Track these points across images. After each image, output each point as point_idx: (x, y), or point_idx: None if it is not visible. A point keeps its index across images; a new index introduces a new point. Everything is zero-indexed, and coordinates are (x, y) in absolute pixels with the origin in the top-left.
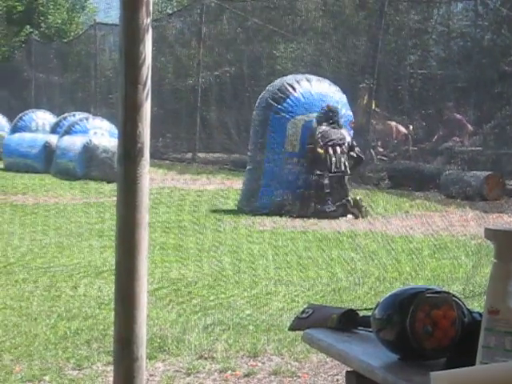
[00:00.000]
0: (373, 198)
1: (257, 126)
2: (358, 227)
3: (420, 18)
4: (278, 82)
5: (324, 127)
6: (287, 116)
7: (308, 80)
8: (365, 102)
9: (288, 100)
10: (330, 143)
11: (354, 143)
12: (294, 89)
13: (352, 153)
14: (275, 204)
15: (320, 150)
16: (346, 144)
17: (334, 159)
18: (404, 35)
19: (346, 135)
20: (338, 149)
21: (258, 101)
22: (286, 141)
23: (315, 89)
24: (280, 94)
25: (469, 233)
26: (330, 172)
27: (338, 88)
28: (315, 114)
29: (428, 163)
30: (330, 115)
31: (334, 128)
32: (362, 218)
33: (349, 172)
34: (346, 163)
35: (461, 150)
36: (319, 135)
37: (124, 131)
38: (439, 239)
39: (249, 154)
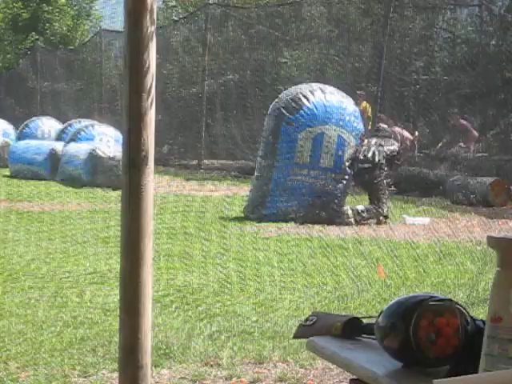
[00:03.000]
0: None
1: (268, 134)
2: (362, 234)
3: (425, 25)
4: (291, 90)
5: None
6: (299, 127)
7: (322, 91)
8: (361, 107)
9: (301, 111)
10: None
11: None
12: (307, 99)
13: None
14: (283, 213)
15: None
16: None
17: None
18: (409, 41)
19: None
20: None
21: (271, 108)
22: (296, 152)
23: (329, 101)
24: (293, 104)
25: (474, 239)
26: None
27: (352, 101)
28: (326, 126)
29: (433, 169)
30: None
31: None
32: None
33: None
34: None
35: (466, 156)
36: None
37: (128, 139)
38: (444, 245)
39: (258, 160)
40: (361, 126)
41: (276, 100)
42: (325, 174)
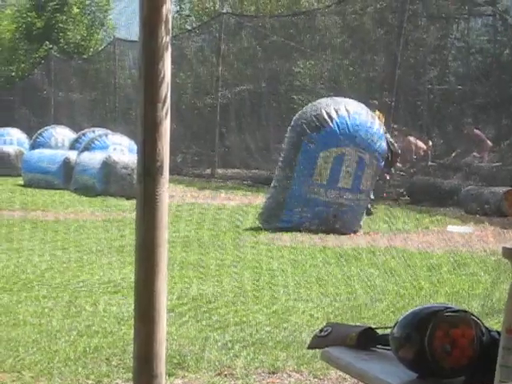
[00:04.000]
0: (392, 213)
1: (289, 147)
2: (377, 243)
3: (439, 34)
4: (315, 105)
5: None
6: (320, 147)
7: (347, 110)
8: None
9: (323, 131)
10: None
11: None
12: (331, 119)
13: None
14: (298, 223)
15: None
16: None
17: None
18: (423, 51)
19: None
20: None
21: (294, 121)
22: (315, 171)
23: (353, 121)
24: (316, 123)
25: (488, 249)
26: None
27: (377, 120)
28: (348, 148)
29: (447, 179)
30: None
31: None
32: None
33: None
34: None
35: (480, 165)
36: None
37: (143, 149)
38: (458, 255)
39: (277, 171)
40: (383, 146)
41: (300, 113)
42: (343, 194)
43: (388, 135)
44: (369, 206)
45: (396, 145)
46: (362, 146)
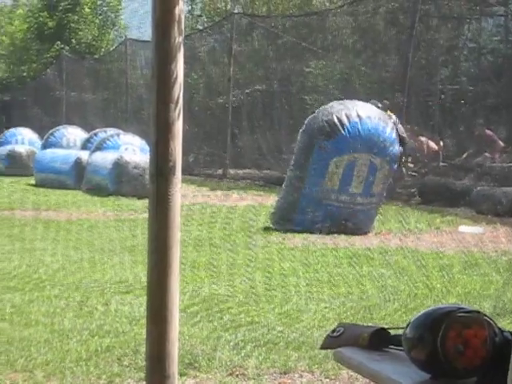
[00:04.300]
0: (403, 214)
1: (300, 151)
2: (388, 243)
3: (450, 35)
4: (326, 110)
5: None
6: (331, 153)
7: (359, 115)
8: None
9: (334, 138)
10: None
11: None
12: (342, 125)
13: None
14: (309, 224)
15: None
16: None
17: None
18: (434, 51)
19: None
20: None
21: (305, 125)
22: (326, 176)
23: (364, 126)
24: (327, 129)
25: (500, 249)
26: None
27: (389, 123)
28: (359, 154)
29: (459, 179)
30: None
31: None
32: None
33: None
34: None
35: (491, 166)
36: None
37: (156, 150)
38: (470, 256)
39: (288, 173)
40: (396, 149)
41: (311, 117)
42: (354, 198)
43: (400, 126)
44: None
45: (406, 134)
46: (373, 151)
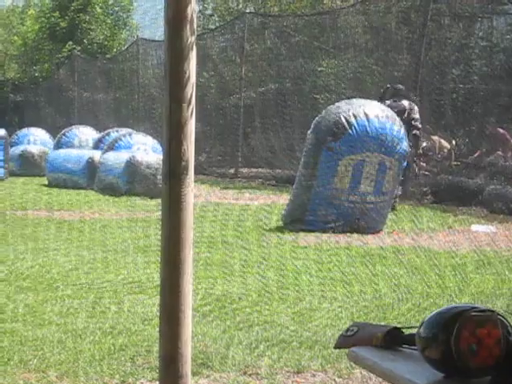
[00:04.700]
0: (416, 213)
1: (309, 152)
2: (401, 242)
3: (462, 33)
4: (334, 109)
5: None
6: (339, 154)
7: (366, 114)
8: None
9: (342, 138)
10: None
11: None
12: (349, 125)
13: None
14: (322, 222)
15: None
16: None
17: None
18: (446, 50)
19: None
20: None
21: (312, 126)
22: (336, 177)
23: (372, 125)
24: (335, 129)
25: None
26: None
27: (397, 121)
28: (367, 154)
29: (471, 178)
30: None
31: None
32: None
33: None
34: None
35: (504, 165)
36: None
37: (169, 149)
38: (483, 255)
39: (299, 173)
40: (405, 147)
41: (319, 117)
42: (365, 197)
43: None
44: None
45: (419, 124)
46: (382, 150)
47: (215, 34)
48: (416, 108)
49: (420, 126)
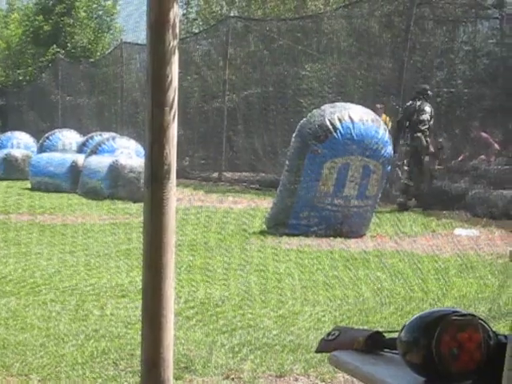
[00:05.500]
0: (399, 217)
1: (294, 155)
2: (384, 246)
3: (445, 38)
4: (319, 113)
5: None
6: (324, 157)
7: (351, 117)
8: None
9: (327, 141)
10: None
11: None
12: (334, 128)
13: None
14: (305, 226)
15: None
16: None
17: None
18: (430, 54)
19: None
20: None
21: (297, 129)
22: (320, 180)
23: (357, 130)
24: (320, 132)
25: (495, 252)
26: None
27: (382, 125)
28: (352, 157)
29: (454, 182)
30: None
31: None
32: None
33: None
34: None
35: (487, 169)
36: None
37: (151, 153)
38: (466, 258)
39: (283, 176)
40: (389, 151)
41: (303, 120)
42: (349, 201)
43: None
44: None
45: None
46: (366, 153)
47: (199, 37)
48: (427, 109)
49: (423, 127)
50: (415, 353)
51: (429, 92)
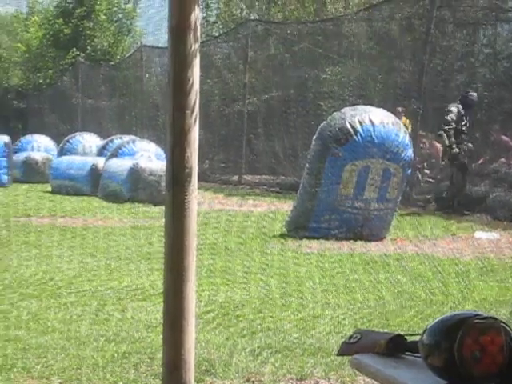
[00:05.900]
0: (420, 220)
1: (314, 158)
2: (405, 249)
3: (466, 41)
4: (340, 115)
5: None
6: (345, 160)
7: (371, 120)
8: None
9: (347, 144)
10: None
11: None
12: (355, 131)
13: None
14: (325, 229)
15: None
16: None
17: None
18: (450, 57)
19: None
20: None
21: (318, 132)
22: (341, 183)
23: (377, 131)
24: (340, 135)
25: None
26: None
27: (402, 128)
28: (372, 160)
29: (475, 185)
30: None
31: None
32: None
33: None
34: None
35: (508, 172)
36: None
37: (172, 156)
38: (486, 262)
39: (303, 179)
40: (409, 154)
41: (324, 123)
42: (369, 204)
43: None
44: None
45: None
46: (387, 156)
47: (219, 40)
48: (453, 109)
49: (446, 127)
50: (437, 356)
51: (471, 96)
